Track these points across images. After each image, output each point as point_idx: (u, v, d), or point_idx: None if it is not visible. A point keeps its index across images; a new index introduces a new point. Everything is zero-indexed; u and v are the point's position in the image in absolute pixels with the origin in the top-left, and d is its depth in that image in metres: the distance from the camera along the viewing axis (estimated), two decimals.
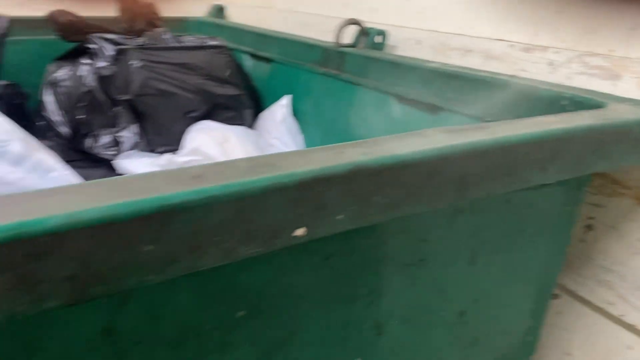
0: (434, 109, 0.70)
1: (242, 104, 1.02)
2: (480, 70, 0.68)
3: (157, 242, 0.25)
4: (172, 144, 0.92)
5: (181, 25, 1.30)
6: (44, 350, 0.28)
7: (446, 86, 0.68)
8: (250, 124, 1.03)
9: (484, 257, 0.48)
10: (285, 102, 1.01)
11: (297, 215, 0.30)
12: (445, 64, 0.72)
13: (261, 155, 0.32)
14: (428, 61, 0.75)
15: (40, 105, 0.95)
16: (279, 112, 1.01)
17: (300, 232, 0.30)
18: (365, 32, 0.89)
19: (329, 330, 0.40)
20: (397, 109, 0.76)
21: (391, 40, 0.91)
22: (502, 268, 0.50)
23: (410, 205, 0.34)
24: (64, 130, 0.93)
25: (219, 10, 1.39)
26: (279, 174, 0.29)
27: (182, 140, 0.92)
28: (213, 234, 0.27)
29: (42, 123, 0.95)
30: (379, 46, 0.90)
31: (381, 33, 0.90)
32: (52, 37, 1.00)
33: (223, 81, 0.99)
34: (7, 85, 0.98)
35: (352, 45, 0.89)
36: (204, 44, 1.00)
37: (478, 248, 0.47)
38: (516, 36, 0.73)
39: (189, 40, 1.01)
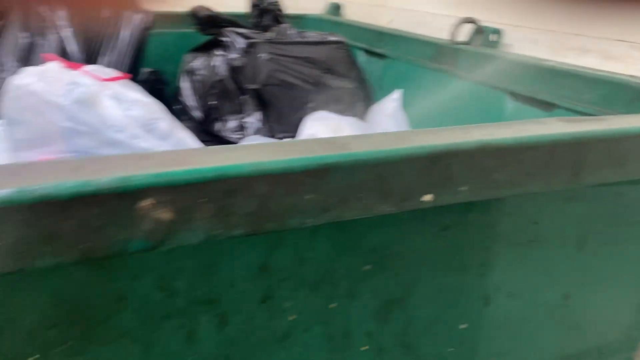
0: (548, 106, 0.72)
1: (355, 97, 1.08)
2: (597, 70, 0.69)
3: (315, 192, 0.31)
4: (290, 131, 1.00)
5: (300, 21, 1.38)
6: (216, 274, 0.35)
7: (562, 84, 0.70)
8: (362, 116, 1.09)
9: (591, 245, 0.50)
10: (396, 96, 1.06)
11: (426, 183, 0.35)
12: (562, 63, 0.74)
13: (396, 131, 0.37)
14: (544, 59, 0.76)
15: (177, 91, 1.07)
16: (390, 105, 1.06)
17: (427, 197, 0.35)
18: (480, 31, 0.92)
19: (441, 294, 0.45)
20: (510, 106, 0.78)
21: (506, 39, 0.93)
22: (609, 258, 0.52)
23: (527, 185, 0.38)
24: (197, 114, 1.04)
25: (336, 8, 1.46)
26: (413, 146, 0.34)
27: (299, 128, 1.00)
28: (357, 191, 0.33)
29: (178, 107, 1.06)
30: (494, 44, 0.92)
31: (496, 32, 0.92)
32: (189, 30, 1.12)
33: (340, 75, 1.05)
34: (151, 72, 1.11)
35: (467, 43, 0.92)
36: (325, 40, 1.07)
37: (586, 236, 0.49)
38: (638, 37, 0.73)
39: (311, 35, 1.08)
